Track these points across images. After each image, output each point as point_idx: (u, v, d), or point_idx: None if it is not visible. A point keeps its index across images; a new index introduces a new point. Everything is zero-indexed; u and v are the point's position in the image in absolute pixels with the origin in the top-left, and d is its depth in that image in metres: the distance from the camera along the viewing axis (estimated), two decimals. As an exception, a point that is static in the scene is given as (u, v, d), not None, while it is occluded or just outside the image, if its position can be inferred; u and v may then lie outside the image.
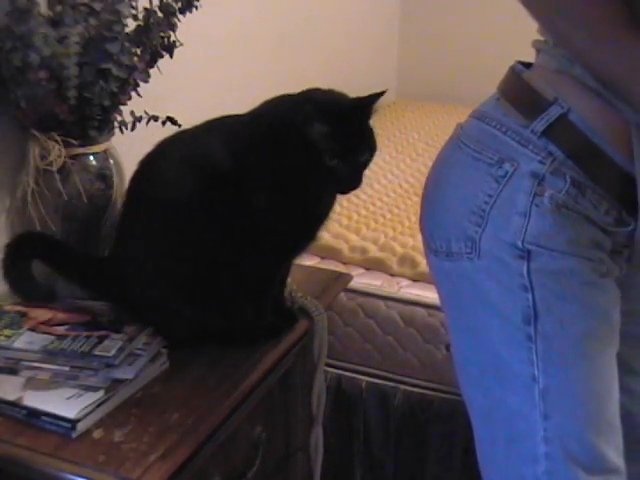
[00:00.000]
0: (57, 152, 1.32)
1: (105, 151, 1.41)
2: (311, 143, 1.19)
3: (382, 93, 1.24)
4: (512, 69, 1.13)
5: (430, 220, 1.17)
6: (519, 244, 1.04)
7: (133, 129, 1.45)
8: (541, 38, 1.11)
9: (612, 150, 1.04)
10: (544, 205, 1.03)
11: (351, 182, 1.24)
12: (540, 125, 1.05)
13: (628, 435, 1.12)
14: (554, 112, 1.04)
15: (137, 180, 1.31)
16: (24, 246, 1.32)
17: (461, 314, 1.16)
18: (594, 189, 1.05)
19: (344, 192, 1.26)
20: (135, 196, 1.31)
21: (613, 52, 0.98)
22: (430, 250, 1.17)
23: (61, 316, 1.29)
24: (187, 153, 1.26)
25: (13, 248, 1.30)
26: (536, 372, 1.06)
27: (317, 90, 1.27)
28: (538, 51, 1.12)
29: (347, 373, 2.06)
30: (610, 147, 1.04)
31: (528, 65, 1.13)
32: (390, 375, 2.03)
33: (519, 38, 1.11)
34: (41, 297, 1.30)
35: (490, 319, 1.09)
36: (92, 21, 1.31)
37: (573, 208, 1.04)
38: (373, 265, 2.14)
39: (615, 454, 1.08)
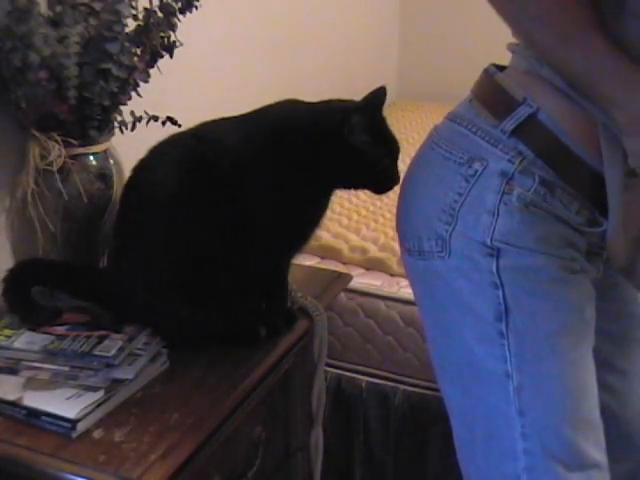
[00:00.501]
0: (57, 152, 1.32)
1: (105, 151, 1.40)
2: (353, 148, 1.23)
3: (384, 88, 1.26)
4: (486, 71, 1.14)
5: (403, 219, 1.20)
6: (488, 242, 1.05)
7: (133, 129, 1.45)
8: (515, 41, 1.12)
9: (581, 150, 1.05)
10: (512, 203, 1.04)
11: (395, 178, 1.28)
12: (509, 125, 1.06)
13: (612, 433, 1.13)
14: (523, 112, 1.05)
15: (131, 186, 1.31)
16: (22, 277, 1.31)
17: (436, 313, 1.16)
18: (564, 189, 1.06)
19: (386, 190, 1.30)
20: (130, 201, 1.30)
21: (577, 51, 0.98)
22: (404, 249, 1.18)
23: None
24: (182, 155, 1.26)
25: (11, 281, 1.29)
26: (509, 369, 1.07)
27: (337, 100, 1.30)
28: (513, 53, 1.13)
29: (347, 373, 2.06)
30: (579, 147, 1.05)
31: (502, 68, 1.14)
32: (390, 375, 2.03)
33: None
34: (49, 320, 1.28)
35: (463, 317, 1.11)
36: (92, 21, 1.31)
37: (542, 207, 1.05)
38: (373, 265, 2.15)
39: (595, 450, 1.09)
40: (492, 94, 1.10)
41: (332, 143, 1.23)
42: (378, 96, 1.25)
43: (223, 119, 1.30)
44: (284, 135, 1.24)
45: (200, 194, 1.23)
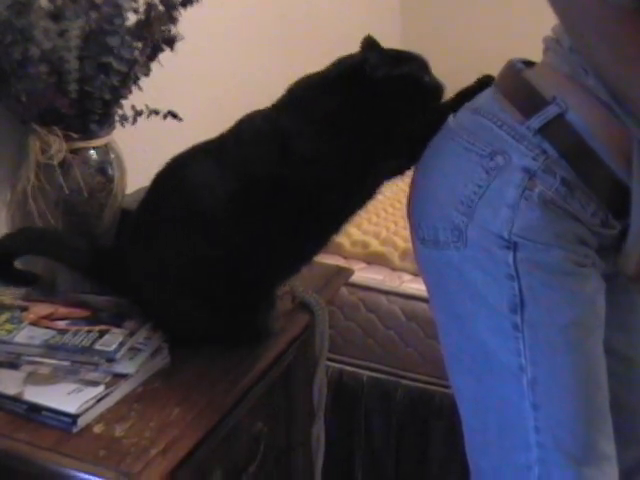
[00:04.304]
0: (58, 146, 1.32)
1: (106, 145, 1.40)
2: (387, 83, 1.20)
3: (369, 36, 1.23)
4: (511, 66, 1.13)
5: (418, 208, 1.18)
6: (506, 235, 1.05)
7: (134, 123, 1.44)
8: (553, 36, 1.11)
9: (607, 156, 1.05)
10: (533, 199, 1.04)
11: (439, 84, 1.25)
12: (536, 123, 1.06)
13: (617, 420, 1.13)
14: (552, 111, 1.05)
15: (168, 179, 1.27)
16: (9, 246, 1.33)
17: (448, 303, 1.16)
18: (583, 190, 1.06)
19: (440, 99, 1.25)
20: (162, 194, 1.27)
21: (635, 73, 0.98)
22: (417, 238, 1.18)
23: (62, 310, 1.29)
24: (225, 160, 1.23)
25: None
26: (524, 362, 1.07)
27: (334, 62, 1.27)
28: (547, 49, 1.12)
29: (348, 367, 2.06)
30: (606, 154, 1.05)
31: (527, 63, 1.14)
32: (391, 370, 2.03)
33: (520, 38, 1.12)
34: (24, 283, 1.33)
35: (477, 308, 1.11)
36: (93, 14, 1.30)
37: (561, 205, 1.05)
38: (375, 259, 2.14)
39: (606, 441, 1.09)
40: (519, 90, 1.10)
41: (366, 91, 1.20)
42: (371, 39, 1.22)
43: (252, 117, 1.26)
44: (322, 110, 1.21)
45: (245, 203, 1.20)
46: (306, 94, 1.25)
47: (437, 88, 1.25)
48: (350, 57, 1.24)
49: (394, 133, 1.22)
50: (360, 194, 1.25)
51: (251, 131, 1.24)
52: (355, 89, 1.20)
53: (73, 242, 1.36)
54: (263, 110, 1.26)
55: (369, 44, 1.22)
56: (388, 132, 1.22)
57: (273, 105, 1.26)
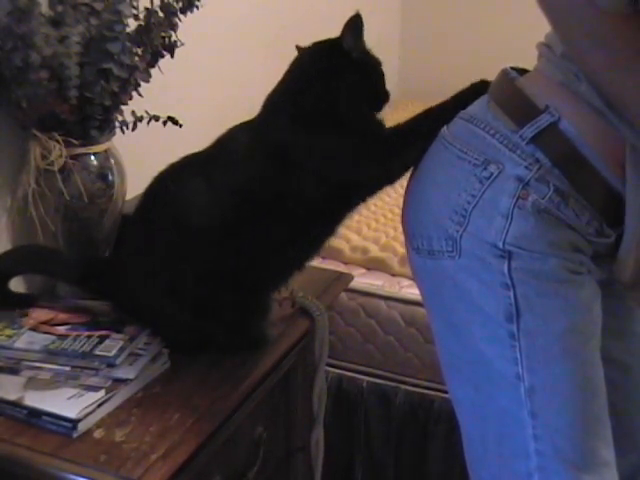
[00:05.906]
0: (58, 152, 1.32)
1: (106, 151, 1.40)
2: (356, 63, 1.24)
3: (357, 14, 1.25)
4: (505, 74, 1.13)
5: (412, 217, 1.18)
6: (500, 245, 1.05)
7: (134, 129, 1.45)
8: (546, 42, 1.11)
9: (601, 164, 1.05)
10: (526, 208, 1.04)
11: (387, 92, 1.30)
12: (529, 132, 1.06)
13: (614, 428, 1.12)
14: (544, 120, 1.05)
15: (160, 190, 1.27)
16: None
17: (444, 312, 1.16)
18: (577, 198, 1.06)
19: (384, 103, 1.32)
20: (158, 207, 1.27)
21: (628, 77, 0.98)
22: (412, 247, 1.18)
23: (62, 316, 1.29)
24: (215, 175, 1.23)
25: None
26: (520, 370, 1.07)
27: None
28: (541, 55, 1.12)
29: (348, 373, 2.06)
30: (599, 162, 1.05)
31: (519, 70, 1.13)
32: (391, 375, 2.03)
33: (520, 38, 1.12)
34: (21, 305, 1.32)
35: (472, 317, 1.10)
36: (93, 21, 1.31)
37: (554, 214, 1.05)
38: (374, 265, 2.14)
39: (605, 448, 1.09)
40: (512, 99, 1.10)
41: (345, 69, 1.24)
42: (355, 18, 1.24)
43: (234, 133, 1.28)
44: (308, 105, 1.24)
45: (235, 216, 1.21)
46: (289, 92, 1.29)
47: (384, 90, 1.29)
48: (328, 42, 1.29)
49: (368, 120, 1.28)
50: (357, 191, 1.26)
51: (238, 149, 1.24)
52: (334, 67, 1.24)
53: (66, 256, 1.37)
54: (243, 126, 1.27)
55: (351, 24, 1.24)
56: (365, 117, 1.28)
57: (254, 119, 1.27)
